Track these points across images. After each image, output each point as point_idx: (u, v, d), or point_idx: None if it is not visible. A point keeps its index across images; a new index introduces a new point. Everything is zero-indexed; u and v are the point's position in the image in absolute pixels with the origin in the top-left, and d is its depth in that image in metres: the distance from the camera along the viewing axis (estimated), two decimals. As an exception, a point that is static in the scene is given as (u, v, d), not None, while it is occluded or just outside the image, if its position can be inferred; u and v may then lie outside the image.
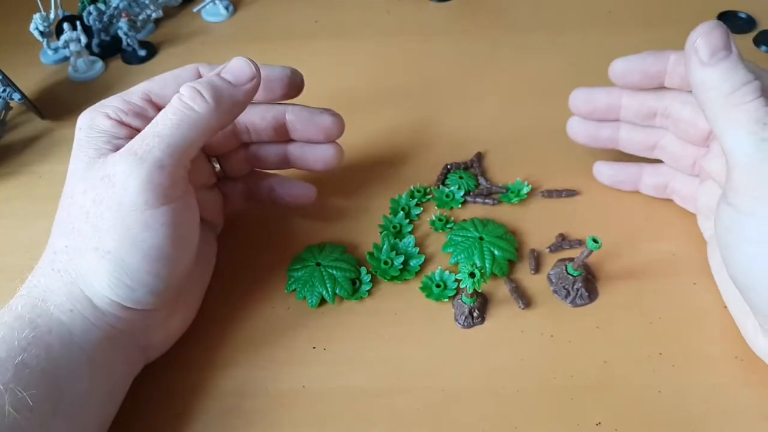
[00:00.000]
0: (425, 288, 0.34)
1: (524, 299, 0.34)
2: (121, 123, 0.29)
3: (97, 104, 0.30)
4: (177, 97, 0.28)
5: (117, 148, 0.28)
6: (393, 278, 0.35)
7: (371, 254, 0.36)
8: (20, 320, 0.26)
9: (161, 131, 0.27)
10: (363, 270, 0.35)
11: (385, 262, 0.35)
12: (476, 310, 0.33)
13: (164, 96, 0.30)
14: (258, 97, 0.32)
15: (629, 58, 0.34)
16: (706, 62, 0.28)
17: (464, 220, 0.38)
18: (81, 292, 0.27)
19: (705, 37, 0.28)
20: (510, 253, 0.35)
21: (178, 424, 0.30)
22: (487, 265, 0.35)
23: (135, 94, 0.30)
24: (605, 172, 0.39)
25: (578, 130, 0.38)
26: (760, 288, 0.27)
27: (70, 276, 0.27)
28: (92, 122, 0.29)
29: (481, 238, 0.36)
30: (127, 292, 0.27)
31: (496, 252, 0.35)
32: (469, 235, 0.36)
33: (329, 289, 0.34)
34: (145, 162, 0.26)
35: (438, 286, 0.34)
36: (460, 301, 0.33)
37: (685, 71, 0.30)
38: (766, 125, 0.26)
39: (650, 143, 0.36)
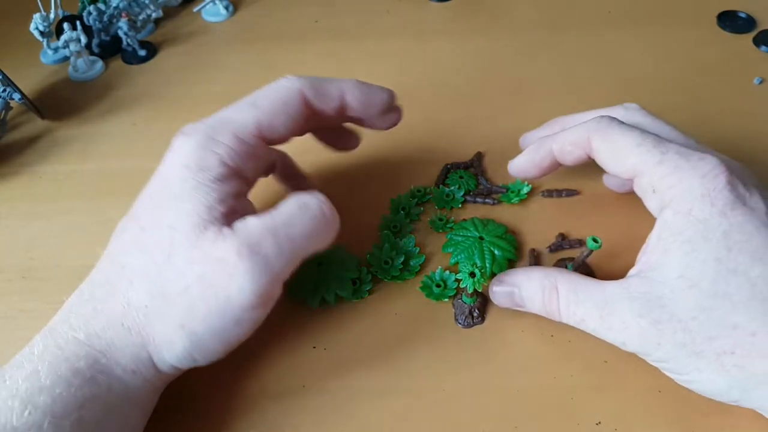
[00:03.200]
0: (425, 288, 0.34)
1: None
2: (235, 171, 0.27)
3: (204, 133, 0.27)
4: (320, 210, 0.27)
5: (229, 211, 0.26)
6: (393, 278, 0.35)
7: (372, 254, 0.36)
8: (80, 376, 0.25)
9: (295, 239, 0.26)
10: (364, 270, 0.35)
11: (386, 262, 0.35)
12: (476, 310, 0.33)
13: (273, 127, 0.29)
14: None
15: (520, 159, 0.34)
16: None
17: (464, 220, 0.38)
18: (148, 356, 0.26)
19: None
20: (510, 253, 0.35)
21: (178, 424, 0.30)
22: (487, 265, 0.35)
23: (246, 129, 0.28)
24: (613, 181, 0.39)
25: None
26: None
27: (142, 338, 0.26)
28: (203, 163, 0.26)
29: (481, 238, 0.36)
30: (191, 363, 0.27)
31: (496, 252, 0.35)
32: (469, 234, 0.36)
33: (330, 289, 0.34)
34: (270, 270, 0.25)
35: (438, 285, 0.34)
36: (460, 300, 0.33)
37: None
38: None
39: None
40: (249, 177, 0.29)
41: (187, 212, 0.26)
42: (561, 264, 0.35)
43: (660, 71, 0.48)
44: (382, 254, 0.36)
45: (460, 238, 0.36)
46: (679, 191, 0.26)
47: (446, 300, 0.34)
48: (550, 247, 0.37)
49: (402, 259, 0.36)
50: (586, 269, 0.34)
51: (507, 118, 0.45)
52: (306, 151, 0.38)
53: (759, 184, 0.28)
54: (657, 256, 0.26)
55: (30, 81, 0.50)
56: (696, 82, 0.47)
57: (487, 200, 0.39)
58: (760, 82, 0.47)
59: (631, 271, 0.28)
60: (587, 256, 0.32)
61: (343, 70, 0.50)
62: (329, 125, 0.34)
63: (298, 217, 0.27)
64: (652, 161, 0.27)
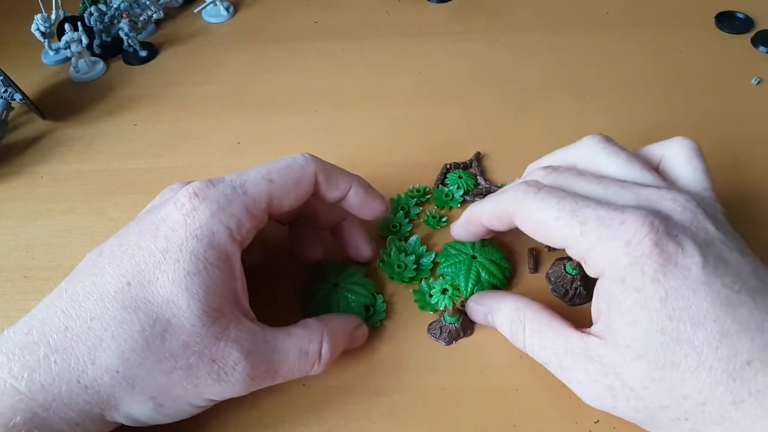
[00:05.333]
0: (419, 300, 0.34)
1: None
2: (240, 244, 0.26)
3: (218, 202, 0.26)
4: (313, 360, 0.28)
5: (235, 298, 0.26)
6: (411, 279, 0.35)
7: (382, 262, 0.36)
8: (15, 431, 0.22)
9: (281, 374, 0.27)
10: (380, 298, 0.34)
11: (399, 266, 0.35)
12: (460, 332, 0.32)
13: (281, 205, 0.28)
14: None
15: (456, 228, 0.34)
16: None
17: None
18: (100, 413, 0.24)
19: None
20: (498, 280, 0.34)
21: (178, 424, 0.30)
22: (469, 285, 0.34)
23: (260, 205, 0.27)
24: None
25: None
26: None
27: (99, 398, 0.24)
28: (213, 238, 0.25)
29: (473, 257, 0.35)
30: (159, 420, 0.26)
31: (483, 274, 0.34)
32: (463, 250, 0.35)
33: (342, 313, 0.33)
34: (255, 385, 0.27)
35: (431, 296, 0.33)
36: (442, 320, 0.33)
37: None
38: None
39: None
40: (245, 246, 0.28)
41: (195, 296, 0.24)
42: (560, 263, 0.35)
43: (658, 71, 0.48)
44: (392, 259, 0.35)
45: (453, 251, 0.35)
46: (606, 262, 0.25)
47: (440, 309, 0.33)
48: (548, 246, 0.37)
49: (413, 258, 0.35)
50: (583, 268, 0.34)
51: (507, 118, 0.46)
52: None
53: (696, 217, 0.25)
54: (605, 324, 0.26)
55: (31, 81, 0.50)
56: (694, 83, 0.47)
57: (486, 200, 0.39)
58: (758, 83, 0.47)
59: (593, 328, 0.27)
60: (586, 255, 0.32)
61: (343, 70, 0.50)
62: (318, 207, 0.33)
63: (295, 360, 0.27)
64: (574, 234, 0.25)
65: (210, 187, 0.26)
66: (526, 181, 0.29)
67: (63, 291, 0.25)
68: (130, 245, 0.25)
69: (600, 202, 0.26)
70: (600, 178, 0.28)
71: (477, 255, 0.35)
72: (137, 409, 0.24)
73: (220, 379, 0.25)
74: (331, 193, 0.30)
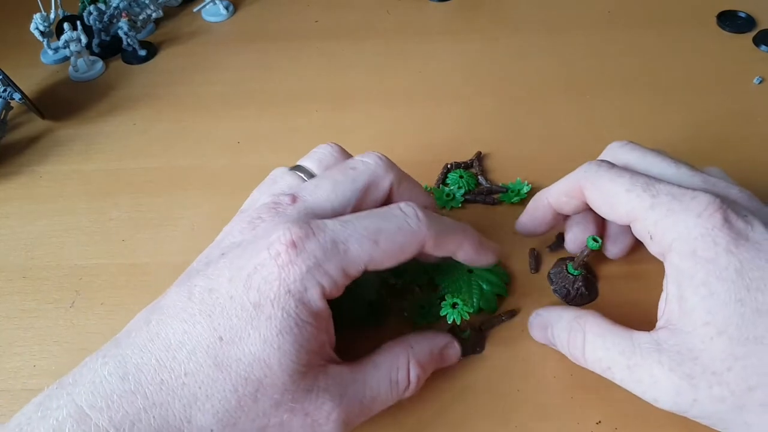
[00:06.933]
0: (411, 313, 0.33)
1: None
2: (332, 298, 0.25)
3: (315, 258, 0.24)
4: (402, 387, 0.27)
5: (323, 349, 0.25)
6: (435, 317, 0.33)
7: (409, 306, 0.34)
8: None
9: (372, 412, 0.27)
10: (384, 294, 0.33)
11: (422, 306, 0.34)
12: (468, 348, 0.32)
13: (380, 265, 0.26)
14: None
15: (523, 218, 0.34)
16: None
17: None
18: None
19: None
20: (499, 288, 0.34)
21: None
22: (474, 300, 0.33)
23: (358, 265, 0.25)
24: (615, 249, 0.35)
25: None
26: None
27: None
28: (305, 295, 0.24)
29: (470, 271, 0.34)
30: None
31: (484, 286, 0.33)
32: (458, 265, 0.33)
33: (345, 312, 0.32)
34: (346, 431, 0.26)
35: (422, 307, 0.33)
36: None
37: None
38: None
39: None
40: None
41: (287, 354, 0.23)
42: (561, 263, 0.35)
43: (659, 71, 0.48)
44: (416, 301, 0.34)
45: (446, 266, 0.34)
46: (676, 234, 0.25)
47: (434, 321, 0.33)
48: (550, 246, 0.37)
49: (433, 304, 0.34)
50: (586, 269, 0.34)
51: (507, 118, 0.45)
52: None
53: (762, 208, 0.26)
54: (677, 305, 0.25)
55: (30, 81, 0.50)
56: (695, 82, 0.47)
57: (487, 200, 0.39)
58: (760, 82, 0.47)
59: (658, 324, 0.26)
60: (587, 255, 0.32)
61: (343, 70, 0.50)
62: None
63: (387, 393, 0.27)
64: (644, 206, 0.26)
65: (310, 238, 0.24)
66: (596, 160, 0.29)
67: (155, 335, 0.24)
68: (221, 294, 0.24)
69: (671, 182, 0.26)
70: (674, 160, 0.29)
71: (473, 269, 0.34)
72: None
73: (315, 431, 0.25)
74: (437, 254, 0.28)
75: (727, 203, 0.25)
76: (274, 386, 0.23)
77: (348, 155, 0.32)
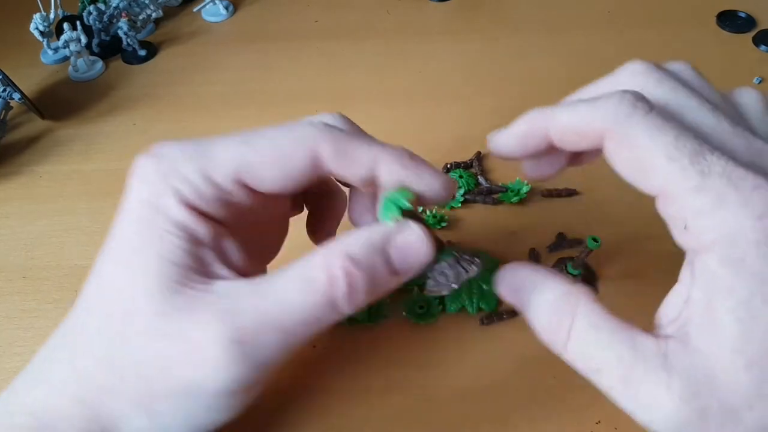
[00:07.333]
0: (410, 312, 0.34)
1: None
2: (201, 215, 0.21)
3: (170, 159, 0.21)
4: (323, 283, 0.20)
5: (202, 267, 0.21)
6: (433, 316, 0.33)
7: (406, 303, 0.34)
8: None
9: (285, 325, 0.20)
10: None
11: (420, 306, 0.34)
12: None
13: (261, 177, 0.22)
14: None
15: (503, 136, 0.26)
16: None
17: (452, 248, 0.36)
18: (100, 430, 0.21)
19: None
20: None
21: None
22: (474, 302, 0.33)
23: (222, 170, 0.21)
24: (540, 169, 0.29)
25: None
26: None
27: (93, 411, 0.21)
28: (160, 201, 0.21)
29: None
30: None
31: (484, 286, 0.34)
32: None
33: None
34: (251, 363, 0.20)
35: (421, 307, 0.33)
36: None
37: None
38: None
39: None
40: (232, 224, 0.23)
41: (145, 269, 0.20)
42: (561, 264, 0.35)
43: (660, 71, 0.48)
44: (415, 301, 0.34)
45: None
46: (723, 233, 0.19)
47: (432, 321, 0.33)
48: (549, 246, 0.37)
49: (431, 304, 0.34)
50: (586, 269, 0.34)
51: (507, 118, 0.45)
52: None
53: None
54: (702, 316, 0.19)
55: (30, 81, 0.50)
56: (696, 82, 0.47)
57: (486, 200, 0.39)
58: (760, 82, 0.47)
59: (666, 327, 0.21)
60: (587, 255, 0.32)
61: (343, 70, 0.50)
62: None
63: (298, 297, 0.20)
64: (688, 186, 0.19)
65: (169, 144, 0.22)
66: (631, 92, 0.21)
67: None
68: (106, 242, 0.22)
69: (723, 150, 0.20)
70: (711, 105, 0.22)
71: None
72: (133, 421, 0.21)
73: (205, 362, 0.20)
74: (348, 172, 0.22)
75: None
76: (139, 311, 0.20)
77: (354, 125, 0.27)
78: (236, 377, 0.20)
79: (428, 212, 0.38)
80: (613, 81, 0.25)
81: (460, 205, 0.39)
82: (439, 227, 0.38)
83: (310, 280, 0.20)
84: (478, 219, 0.39)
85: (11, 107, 0.46)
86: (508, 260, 0.36)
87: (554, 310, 0.22)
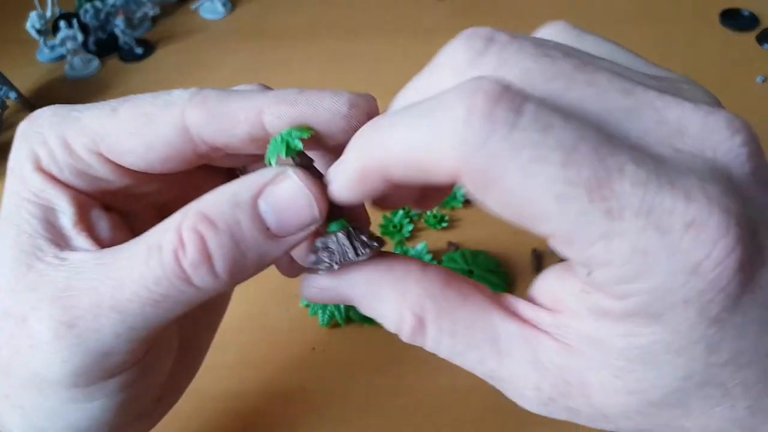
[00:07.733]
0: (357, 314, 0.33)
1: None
2: (59, 183, 0.19)
3: (37, 124, 0.19)
4: (168, 250, 0.16)
5: (58, 238, 0.18)
6: None
7: None
8: None
9: (124, 306, 0.17)
10: None
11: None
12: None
13: (120, 150, 0.18)
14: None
15: (336, 188, 0.17)
16: None
17: (454, 250, 0.36)
18: None
19: None
20: (500, 288, 0.34)
21: (177, 424, 0.30)
22: None
23: (80, 138, 0.19)
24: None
25: None
26: None
27: None
28: (23, 170, 0.19)
29: (470, 271, 0.34)
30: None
31: None
32: (457, 267, 0.34)
33: (341, 311, 0.33)
34: (84, 349, 0.17)
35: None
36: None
37: None
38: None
39: None
40: (107, 199, 0.20)
41: (3, 242, 0.18)
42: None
43: (662, 69, 0.48)
44: None
45: (449, 267, 0.34)
46: (641, 300, 0.14)
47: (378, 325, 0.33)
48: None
49: None
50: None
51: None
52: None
53: None
54: (578, 324, 0.16)
55: (26, 79, 0.50)
56: (698, 81, 0.47)
57: (487, 200, 0.39)
58: (763, 81, 0.46)
59: (547, 318, 0.17)
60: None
61: (343, 70, 0.50)
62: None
63: (138, 275, 0.17)
64: (589, 236, 0.13)
65: (44, 109, 0.20)
66: (482, 88, 0.13)
67: None
68: None
69: (638, 156, 0.13)
70: (616, 47, 0.17)
71: (473, 269, 0.34)
72: (8, 417, 0.19)
73: (35, 346, 0.17)
74: (227, 137, 0.18)
75: (749, 225, 0.13)
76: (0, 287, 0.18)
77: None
78: (72, 365, 0.17)
79: (428, 213, 0.38)
80: (450, 53, 0.16)
81: (460, 204, 0.39)
82: (439, 227, 0.37)
83: (157, 247, 0.16)
84: (480, 219, 0.38)
85: (7, 106, 0.46)
86: (510, 260, 0.36)
87: (401, 321, 0.19)
